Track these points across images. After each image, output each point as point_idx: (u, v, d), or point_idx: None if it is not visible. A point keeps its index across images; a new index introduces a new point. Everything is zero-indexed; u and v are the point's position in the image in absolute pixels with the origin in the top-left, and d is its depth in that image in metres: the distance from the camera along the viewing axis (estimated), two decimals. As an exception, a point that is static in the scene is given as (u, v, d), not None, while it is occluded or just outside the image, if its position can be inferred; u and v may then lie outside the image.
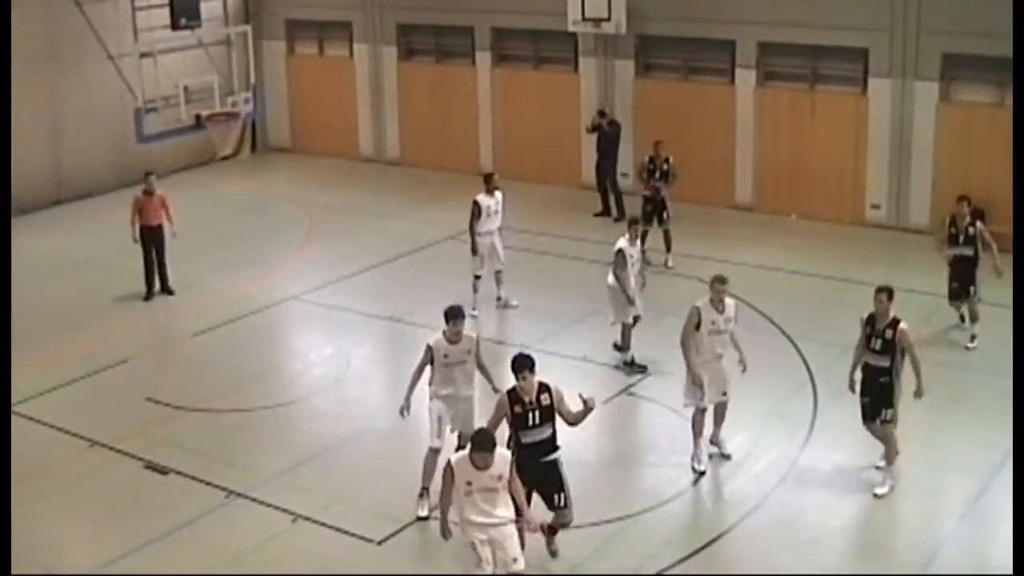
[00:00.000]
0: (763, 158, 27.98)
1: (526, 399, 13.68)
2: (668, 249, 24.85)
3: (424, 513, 15.46)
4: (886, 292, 15.75)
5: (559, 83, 30.57)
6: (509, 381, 13.77)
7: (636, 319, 19.92)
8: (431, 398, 15.56)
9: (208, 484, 16.46)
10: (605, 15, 28.57)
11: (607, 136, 28.52)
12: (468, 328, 15.63)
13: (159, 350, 21.49)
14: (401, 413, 15.48)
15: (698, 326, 16.30)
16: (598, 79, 29.86)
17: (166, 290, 23.91)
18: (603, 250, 22.25)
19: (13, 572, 14.84)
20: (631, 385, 19.20)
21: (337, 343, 21.40)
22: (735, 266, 23.97)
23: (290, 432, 18.15)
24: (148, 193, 23.66)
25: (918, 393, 15.73)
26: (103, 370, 20.68)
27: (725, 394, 16.73)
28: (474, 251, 21.86)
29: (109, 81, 31.52)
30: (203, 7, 30.23)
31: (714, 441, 17.07)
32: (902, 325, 15.65)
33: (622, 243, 19.73)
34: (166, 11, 29.24)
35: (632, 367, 19.74)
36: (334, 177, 32.43)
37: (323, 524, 15.42)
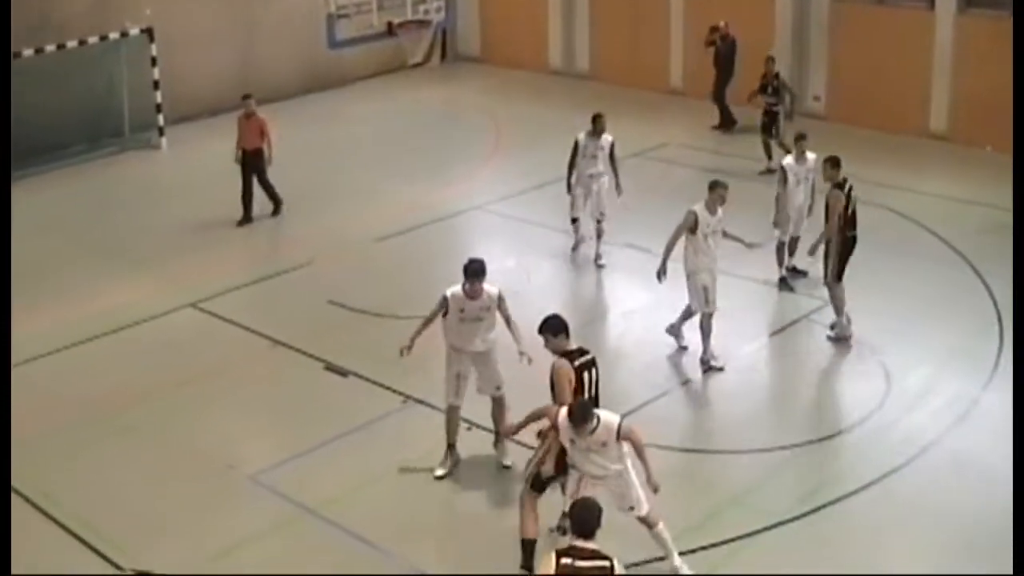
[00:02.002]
0: (960, 87, 27.17)
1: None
2: (769, 158, 25.21)
3: (442, 472, 14.90)
4: (830, 161, 18.01)
5: (754, 3, 29.95)
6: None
7: (794, 240, 19.96)
8: (448, 350, 14.84)
9: (386, 388, 16.70)
10: (804, -64, 28.06)
11: (722, 52, 28.56)
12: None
13: (343, 254, 21.72)
14: (401, 353, 14.66)
15: (695, 228, 16.92)
16: (793, 2, 29.30)
17: (247, 218, 23.43)
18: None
19: (196, 464, 15.34)
20: (812, 312, 18.97)
21: (518, 256, 21.43)
22: (922, 195, 23.61)
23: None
24: (248, 116, 23.32)
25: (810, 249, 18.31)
26: (287, 272, 21.06)
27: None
28: (569, 189, 21.10)
29: (303, -14, 31.86)
30: (398, -86, 30.40)
31: (704, 357, 17.48)
32: (836, 191, 17.75)
33: (787, 160, 19.91)
34: (362, -82, 29.46)
35: (784, 284, 19.83)
36: (522, 89, 32.38)
37: (496, 434, 15.54)
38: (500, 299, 14.73)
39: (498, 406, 14.95)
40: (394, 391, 16.65)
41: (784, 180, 19.60)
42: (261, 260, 21.69)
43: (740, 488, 14.54)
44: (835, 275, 17.94)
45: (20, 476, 15.03)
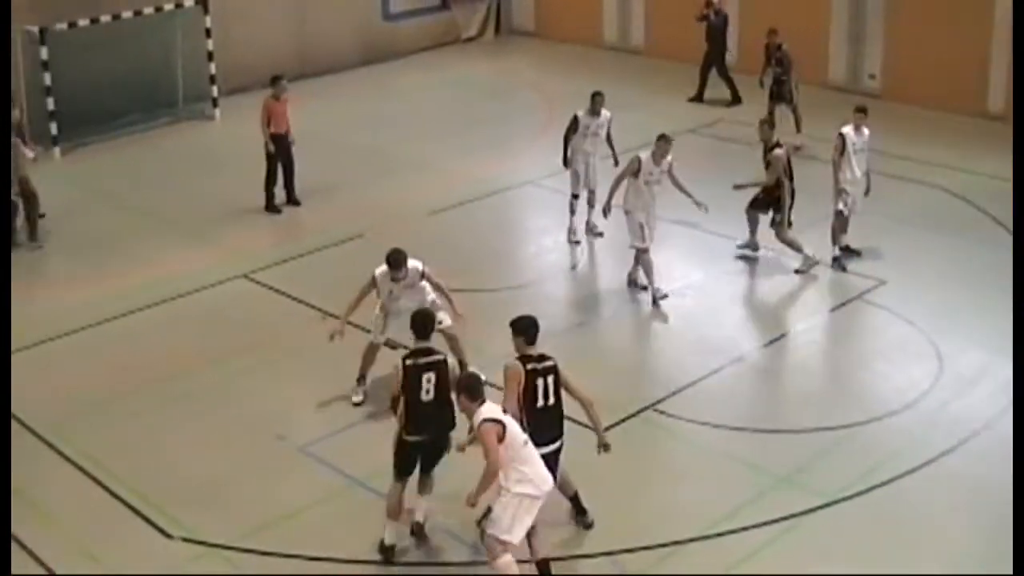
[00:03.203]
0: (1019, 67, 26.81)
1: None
2: (798, 129, 25.29)
3: (359, 399, 16.05)
4: (767, 122, 19.99)
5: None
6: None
7: (847, 218, 19.88)
8: (379, 307, 15.93)
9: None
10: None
11: (714, 25, 28.80)
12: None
13: (395, 226, 21.62)
14: (331, 338, 15.70)
15: (637, 173, 18.57)
16: (850, -29, 29.10)
17: (293, 201, 22.97)
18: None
19: (246, 434, 15.42)
20: (866, 291, 18.86)
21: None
22: (979, 176, 23.37)
23: (518, 314, 18.20)
24: (277, 97, 22.41)
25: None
26: (339, 244, 21.09)
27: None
28: (565, 163, 21.03)
29: (358, -42, 31.80)
30: None
31: (652, 292, 18.86)
32: (777, 151, 19.34)
33: (846, 128, 19.74)
34: None
35: (836, 263, 19.73)
36: (576, 64, 32.18)
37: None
38: (423, 274, 15.76)
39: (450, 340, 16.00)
40: (444, 364, 16.64)
41: (842, 148, 19.49)
42: (313, 232, 21.71)
43: (791, 467, 14.48)
44: (788, 223, 19.57)
45: (71, 442, 15.24)
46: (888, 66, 28.43)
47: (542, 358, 12.64)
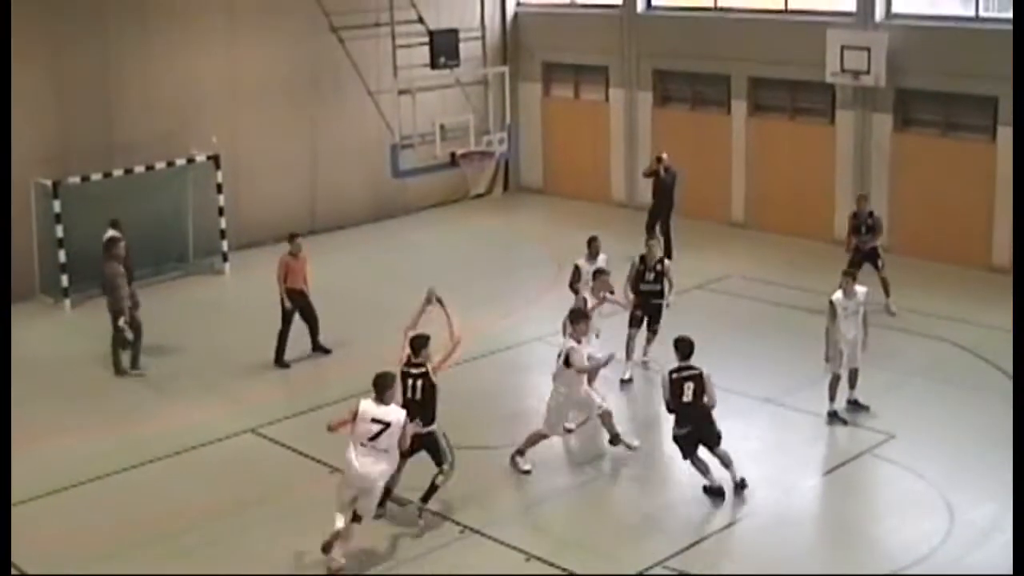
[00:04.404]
0: (1024, 221, 27.08)
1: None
2: (887, 294, 24.63)
3: (528, 467, 18.00)
4: (655, 240, 22.99)
5: (814, 135, 30.20)
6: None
7: (854, 372, 19.85)
8: (556, 398, 18.21)
9: (444, 518, 16.62)
10: (864, 68, 28.18)
11: (664, 183, 29.05)
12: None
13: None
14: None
15: (578, 278, 20.88)
16: (855, 132, 29.41)
17: (321, 349, 23.40)
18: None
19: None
20: (875, 446, 18.81)
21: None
22: (986, 329, 23.38)
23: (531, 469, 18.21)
24: (294, 255, 22.81)
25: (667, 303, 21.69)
26: (347, 399, 20.94)
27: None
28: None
29: (367, 116, 32.13)
30: (462, 47, 30.83)
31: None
32: (667, 262, 21.86)
33: (835, 295, 19.77)
34: (426, 50, 29.90)
35: (834, 418, 19.72)
36: (585, 220, 32.24)
37: (554, 565, 15.44)
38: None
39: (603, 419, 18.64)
40: (453, 521, 16.58)
41: (833, 315, 19.56)
42: (321, 387, 21.70)
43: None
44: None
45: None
46: (893, 221, 28.63)
47: (416, 365, 16.65)
